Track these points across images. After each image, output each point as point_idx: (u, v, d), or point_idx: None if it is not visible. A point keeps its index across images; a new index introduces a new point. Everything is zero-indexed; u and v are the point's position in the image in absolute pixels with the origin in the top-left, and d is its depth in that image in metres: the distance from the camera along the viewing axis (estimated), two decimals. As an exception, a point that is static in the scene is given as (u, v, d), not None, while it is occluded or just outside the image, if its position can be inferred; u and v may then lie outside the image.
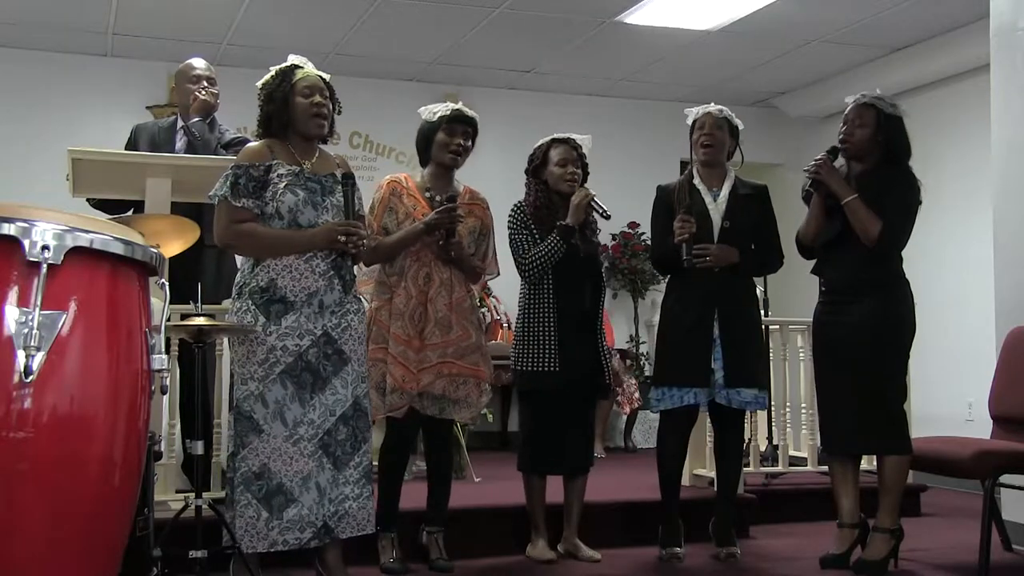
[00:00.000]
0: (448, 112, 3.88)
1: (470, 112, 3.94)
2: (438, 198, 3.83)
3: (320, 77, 3.47)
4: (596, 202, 4.05)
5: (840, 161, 4.01)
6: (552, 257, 3.99)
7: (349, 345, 3.40)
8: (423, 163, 3.99)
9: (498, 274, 4.11)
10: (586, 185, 4.10)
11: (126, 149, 4.49)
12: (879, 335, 3.83)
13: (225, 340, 3.86)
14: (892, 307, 3.87)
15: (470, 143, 3.93)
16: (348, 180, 3.40)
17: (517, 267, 4.06)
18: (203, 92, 4.52)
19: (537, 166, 4.14)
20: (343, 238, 3.31)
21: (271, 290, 3.32)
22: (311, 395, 3.31)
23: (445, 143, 3.87)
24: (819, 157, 3.96)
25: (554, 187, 4.08)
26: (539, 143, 4.17)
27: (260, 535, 3.24)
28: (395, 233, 3.79)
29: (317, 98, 3.41)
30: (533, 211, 4.09)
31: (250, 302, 3.34)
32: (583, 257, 4.07)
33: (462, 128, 3.88)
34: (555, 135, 4.16)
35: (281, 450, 3.27)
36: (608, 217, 4.11)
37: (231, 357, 3.48)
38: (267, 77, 3.45)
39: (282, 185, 3.33)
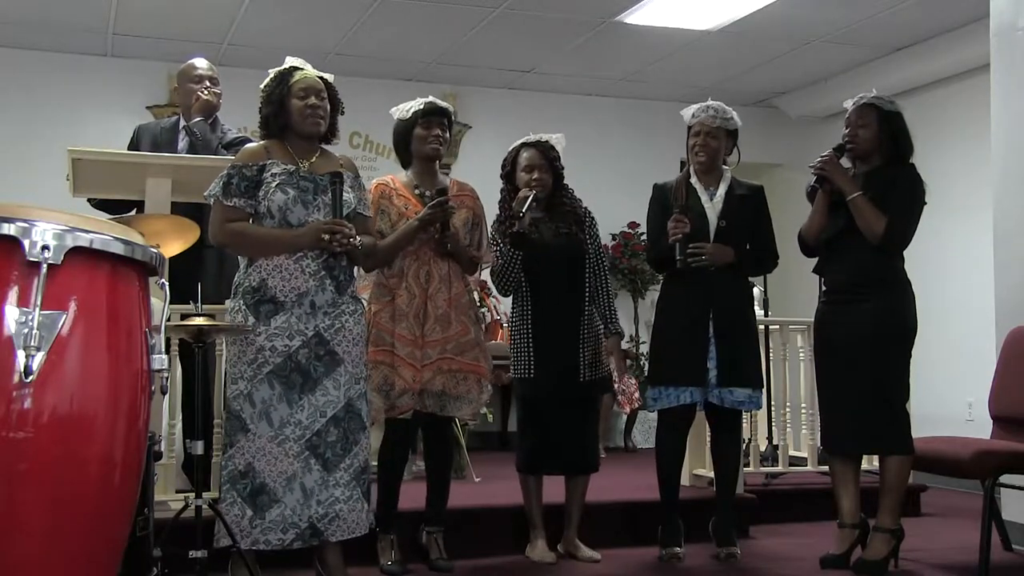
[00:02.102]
0: (421, 107, 3.89)
1: (443, 103, 3.95)
2: (428, 193, 3.83)
3: (319, 78, 3.47)
4: (530, 200, 3.92)
5: (846, 163, 4.02)
6: (507, 266, 3.99)
7: (343, 346, 3.38)
8: (404, 163, 3.99)
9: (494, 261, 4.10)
10: (533, 187, 3.97)
11: (128, 149, 4.49)
12: (881, 335, 3.82)
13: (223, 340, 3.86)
14: (894, 307, 3.86)
15: (447, 134, 3.94)
16: (336, 178, 3.36)
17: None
18: (205, 92, 4.52)
19: (509, 172, 4.13)
20: (327, 236, 3.30)
21: (262, 290, 3.32)
22: (300, 396, 3.30)
23: (423, 136, 3.87)
24: (825, 154, 3.97)
25: None
26: (511, 147, 4.15)
27: (244, 533, 3.25)
28: (391, 235, 3.79)
29: (312, 99, 3.41)
30: (498, 225, 4.08)
31: (242, 302, 3.35)
32: (558, 257, 4.04)
33: (438, 120, 3.89)
34: (525, 138, 4.13)
35: (266, 450, 3.27)
36: (521, 216, 3.91)
37: (227, 357, 3.49)
38: (267, 80, 3.47)
39: (274, 184, 3.34)
